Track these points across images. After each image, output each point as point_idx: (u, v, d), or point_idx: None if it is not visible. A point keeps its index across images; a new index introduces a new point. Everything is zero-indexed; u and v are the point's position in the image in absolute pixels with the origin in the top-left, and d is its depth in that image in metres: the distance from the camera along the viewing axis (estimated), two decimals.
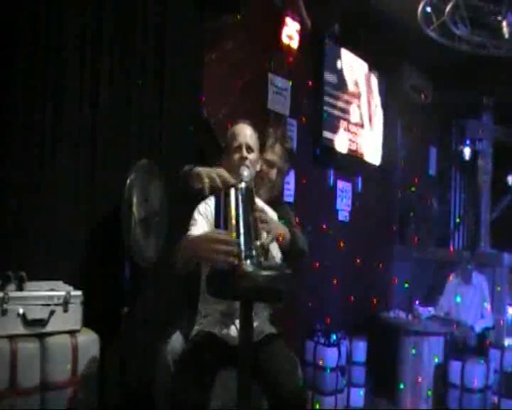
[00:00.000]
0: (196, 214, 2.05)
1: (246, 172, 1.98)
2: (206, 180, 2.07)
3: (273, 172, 2.39)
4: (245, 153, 2.11)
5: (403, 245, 5.42)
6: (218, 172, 2.10)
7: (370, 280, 4.71)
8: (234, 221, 1.63)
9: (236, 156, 2.11)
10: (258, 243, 1.64)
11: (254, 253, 1.61)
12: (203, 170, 2.15)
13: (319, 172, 4.35)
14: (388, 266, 5.12)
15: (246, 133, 2.16)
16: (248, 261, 1.59)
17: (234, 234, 1.62)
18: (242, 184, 1.71)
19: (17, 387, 1.93)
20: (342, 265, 4.42)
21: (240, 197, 1.67)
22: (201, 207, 2.08)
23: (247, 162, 2.09)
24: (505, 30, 3.65)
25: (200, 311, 2.11)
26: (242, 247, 1.60)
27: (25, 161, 2.35)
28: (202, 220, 2.03)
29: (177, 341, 2.08)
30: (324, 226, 4.26)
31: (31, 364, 1.97)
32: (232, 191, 1.68)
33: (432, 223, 6.02)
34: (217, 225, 1.68)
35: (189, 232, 1.99)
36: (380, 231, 4.90)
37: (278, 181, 2.44)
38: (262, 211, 1.93)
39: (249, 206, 1.68)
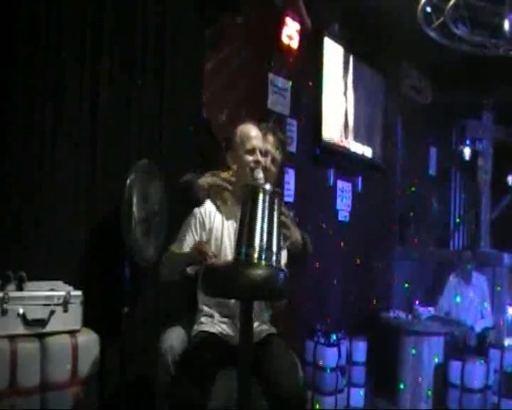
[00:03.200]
0: (187, 228, 2.11)
1: (261, 175, 1.99)
2: (211, 191, 2.06)
3: (267, 161, 2.38)
4: (260, 157, 2.11)
5: (403, 245, 5.41)
6: (224, 178, 2.09)
7: (370, 280, 4.71)
8: (259, 224, 1.64)
9: (250, 159, 2.10)
10: (275, 246, 1.65)
11: (274, 257, 1.62)
12: (205, 180, 2.13)
13: (319, 172, 4.35)
14: (388, 266, 5.11)
15: (258, 136, 2.16)
16: (263, 262, 1.61)
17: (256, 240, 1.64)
18: (267, 186, 1.72)
19: (17, 387, 1.93)
20: (342, 265, 4.42)
21: (267, 200, 1.68)
22: (193, 218, 2.11)
23: (261, 166, 2.09)
24: (506, 29, 3.64)
25: (199, 311, 2.11)
26: (264, 250, 1.62)
27: (25, 161, 2.35)
28: (191, 237, 2.09)
29: (176, 341, 2.08)
30: (324, 226, 4.26)
31: (31, 364, 1.97)
32: (260, 194, 1.68)
33: (432, 223, 6.02)
34: (241, 225, 1.68)
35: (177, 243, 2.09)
36: (380, 231, 4.89)
37: (273, 170, 2.42)
38: (286, 216, 1.94)
39: (275, 210, 1.69)
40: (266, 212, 1.66)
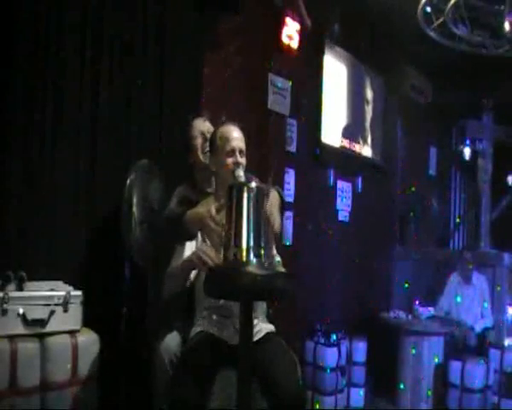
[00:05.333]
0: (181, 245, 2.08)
1: (241, 173, 1.99)
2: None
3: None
4: (239, 158, 2.11)
5: (403, 245, 5.42)
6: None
7: (370, 280, 4.71)
8: (245, 220, 1.64)
9: (230, 160, 2.10)
10: (263, 241, 1.65)
11: (262, 252, 1.62)
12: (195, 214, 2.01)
13: (319, 172, 4.35)
14: (388, 266, 5.11)
15: (238, 137, 2.16)
16: (255, 260, 1.60)
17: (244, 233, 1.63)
18: (253, 184, 1.72)
19: (17, 387, 1.93)
20: (342, 265, 4.42)
21: (252, 197, 1.68)
22: None
23: (241, 167, 2.09)
24: (506, 29, 3.64)
25: (198, 311, 2.11)
26: (251, 246, 1.62)
27: (25, 161, 2.35)
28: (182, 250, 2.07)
29: (172, 341, 2.08)
30: (324, 226, 4.26)
31: (31, 364, 1.98)
32: (245, 190, 1.68)
33: (432, 223, 6.02)
34: (228, 225, 1.68)
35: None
36: (380, 231, 4.89)
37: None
38: (269, 203, 1.92)
39: (259, 206, 1.69)
40: (252, 210, 1.66)
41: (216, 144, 2.16)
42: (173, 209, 2.14)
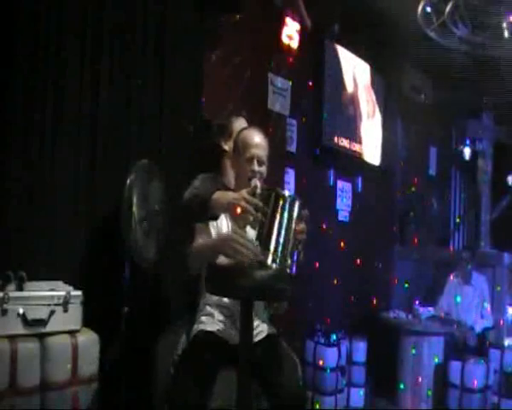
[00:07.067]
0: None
1: (258, 184, 1.97)
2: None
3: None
4: (256, 167, 2.08)
5: (403, 245, 5.41)
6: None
7: (370, 280, 4.70)
8: (276, 229, 1.66)
9: (247, 168, 2.08)
10: (289, 253, 1.67)
11: (287, 263, 1.64)
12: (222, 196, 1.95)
13: (319, 172, 4.35)
14: (388, 266, 5.11)
15: (259, 145, 2.11)
16: (277, 266, 1.62)
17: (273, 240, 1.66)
18: (287, 192, 1.73)
19: (17, 387, 1.93)
20: (342, 265, 4.42)
21: (286, 207, 1.70)
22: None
23: (258, 176, 2.07)
24: (505, 30, 3.65)
25: (199, 310, 2.11)
26: (279, 251, 1.64)
27: (25, 161, 2.35)
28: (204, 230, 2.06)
29: (175, 340, 2.08)
30: (324, 226, 4.26)
31: (31, 364, 1.97)
32: (280, 200, 1.70)
33: (432, 223, 6.02)
34: (260, 228, 1.69)
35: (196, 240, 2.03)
36: (380, 231, 4.89)
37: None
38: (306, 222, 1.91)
39: (293, 217, 1.71)
40: (285, 219, 1.68)
41: (238, 147, 2.13)
42: (199, 188, 2.10)
